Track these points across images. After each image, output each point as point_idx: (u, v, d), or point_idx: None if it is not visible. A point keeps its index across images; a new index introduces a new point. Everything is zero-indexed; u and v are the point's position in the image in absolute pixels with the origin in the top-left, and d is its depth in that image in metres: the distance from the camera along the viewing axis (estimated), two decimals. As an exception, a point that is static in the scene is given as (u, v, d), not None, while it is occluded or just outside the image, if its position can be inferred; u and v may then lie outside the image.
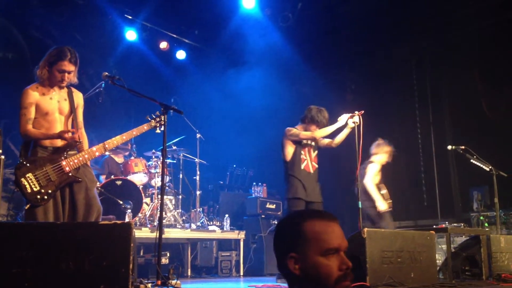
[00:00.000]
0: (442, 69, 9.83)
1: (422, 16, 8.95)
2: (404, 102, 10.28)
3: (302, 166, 6.30)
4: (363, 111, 6.11)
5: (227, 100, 10.39)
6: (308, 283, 1.97)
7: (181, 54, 10.36)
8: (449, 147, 7.65)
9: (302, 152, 6.34)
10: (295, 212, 2.16)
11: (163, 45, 10.15)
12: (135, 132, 4.75)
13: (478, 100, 9.31)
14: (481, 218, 8.43)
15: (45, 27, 8.60)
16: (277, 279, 6.54)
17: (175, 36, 10.06)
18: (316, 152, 6.50)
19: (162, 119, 4.83)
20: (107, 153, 7.95)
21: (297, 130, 6.38)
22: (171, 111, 4.92)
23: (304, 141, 6.40)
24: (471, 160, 7.57)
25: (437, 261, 5.76)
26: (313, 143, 6.47)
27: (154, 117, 4.86)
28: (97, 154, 4.57)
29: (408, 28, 9.23)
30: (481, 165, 7.48)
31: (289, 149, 6.38)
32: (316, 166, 6.44)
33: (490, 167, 7.36)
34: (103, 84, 7.16)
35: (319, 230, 2.00)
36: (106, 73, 4.79)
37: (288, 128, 6.44)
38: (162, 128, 4.82)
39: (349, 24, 9.18)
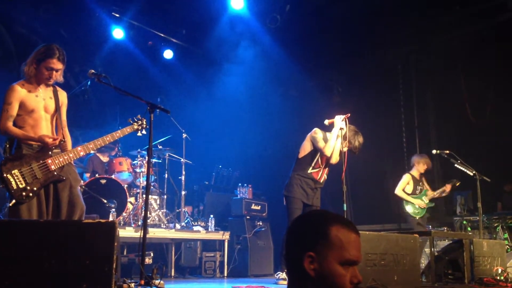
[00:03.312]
0: (427, 74, 9.92)
1: (409, 21, 9.00)
2: (389, 106, 10.35)
3: (310, 170, 6.14)
4: (349, 114, 6.07)
5: (213, 101, 10.38)
6: (320, 287, 1.95)
7: (168, 54, 10.31)
8: (434, 151, 7.73)
9: (320, 159, 6.16)
10: (322, 212, 2.10)
11: (151, 43, 10.12)
12: (118, 134, 4.74)
13: (463, 104, 9.41)
14: (464, 222, 8.52)
15: (31, 24, 8.52)
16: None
17: (162, 35, 10.01)
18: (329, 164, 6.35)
19: (144, 123, 4.83)
20: (92, 151, 7.90)
21: (320, 137, 6.11)
22: (158, 110, 4.90)
23: None
24: (455, 165, 7.65)
25: (420, 265, 5.80)
26: None
27: (136, 120, 4.85)
28: (81, 154, 4.55)
29: (394, 33, 9.28)
30: (465, 170, 7.56)
31: (306, 147, 6.19)
32: (326, 177, 6.30)
33: (474, 172, 7.43)
34: (89, 82, 7.13)
35: (344, 238, 1.96)
36: (92, 71, 4.78)
37: (316, 129, 6.18)
38: (144, 132, 4.82)
39: (337, 27, 9.20)
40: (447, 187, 8.03)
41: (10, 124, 4.38)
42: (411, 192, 8.09)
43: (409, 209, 8.07)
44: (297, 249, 2.00)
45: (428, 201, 8.05)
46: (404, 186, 8.17)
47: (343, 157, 5.80)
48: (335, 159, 6.14)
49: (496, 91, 9.02)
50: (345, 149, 5.92)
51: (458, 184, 8.04)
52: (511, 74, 8.61)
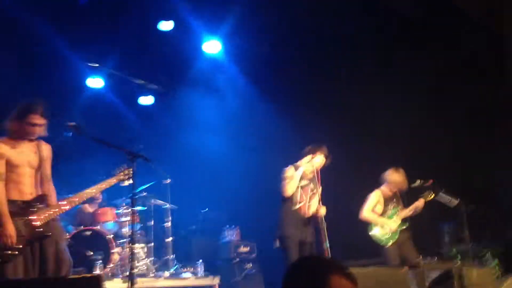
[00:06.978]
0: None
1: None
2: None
3: (297, 206, 6.17)
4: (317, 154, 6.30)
5: (196, 142, 10.34)
6: None
7: (148, 100, 10.30)
8: (418, 182, 7.62)
9: (301, 191, 6.22)
10: (323, 259, 2.10)
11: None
12: (104, 185, 4.72)
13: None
14: (454, 250, 8.47)
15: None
16: None
17: (140, 82, 10.01)
18: (317, 196, 6.27)
19: (130, 173, 4.79)
20: (78, 204, 7.81)
21: (286, 176, 6.22)
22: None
23: (302, 183, 6.28)
24: (440, 193, 7.52)
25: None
26: (311, 185, 6.35)
27: (122, 169, 4.83)
28: (67, 208, 4.49)
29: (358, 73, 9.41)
30: (451, 198, 7.46)
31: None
32: (319, 208, 6.23)
33: (459, 200, 7.38)
34: (70, 134, 7.06)
35: None
36: (72, 123, 4.76)
37: (284, 169, 6.29)
38: (131, 181, 4.79)
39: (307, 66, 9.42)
40: (420, 202, 7.20)
41: (1, 184, 4.28)
42: (382, 212, 7.21)
43: (376, 232, 7.15)
44: None
45: (400, 222, 7.15)
46: (373, 206, 7.20)
47: (317, 177, 6.12)
48: (311, 211, 6.22)
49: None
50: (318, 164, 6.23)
51: (431, 197, 7.20)
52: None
